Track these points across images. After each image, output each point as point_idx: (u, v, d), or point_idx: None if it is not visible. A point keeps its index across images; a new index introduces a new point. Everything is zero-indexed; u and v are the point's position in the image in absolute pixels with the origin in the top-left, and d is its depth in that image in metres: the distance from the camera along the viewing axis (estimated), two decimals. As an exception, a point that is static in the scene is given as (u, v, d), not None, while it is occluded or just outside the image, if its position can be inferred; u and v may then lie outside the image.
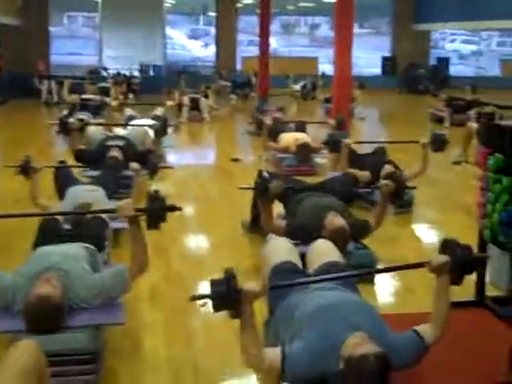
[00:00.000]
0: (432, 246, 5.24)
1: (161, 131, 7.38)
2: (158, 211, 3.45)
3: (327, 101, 12.53)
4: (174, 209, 3.50)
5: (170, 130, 7.83)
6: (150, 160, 5.65)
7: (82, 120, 7.90)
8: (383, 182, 4.66)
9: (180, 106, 12.38)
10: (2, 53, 16.59)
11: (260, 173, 4.50)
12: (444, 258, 2.94)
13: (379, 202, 4.64)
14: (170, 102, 12.51)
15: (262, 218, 4.51)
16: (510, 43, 22.46)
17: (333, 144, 6.57)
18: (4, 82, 16.12)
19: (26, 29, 17.56)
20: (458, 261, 2.91)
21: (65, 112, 9.98)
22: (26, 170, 5.04)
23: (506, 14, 15.33)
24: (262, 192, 4.33)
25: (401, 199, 4.81)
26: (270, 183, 4.31)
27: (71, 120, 6.80)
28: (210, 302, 2.58)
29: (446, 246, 3.04)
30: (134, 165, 5.32)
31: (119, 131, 8.00)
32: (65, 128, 6.71)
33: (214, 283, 2.62)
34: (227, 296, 2.58)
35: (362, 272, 3.90)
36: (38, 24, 17.90)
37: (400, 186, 4.66)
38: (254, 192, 4.60)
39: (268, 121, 9.53)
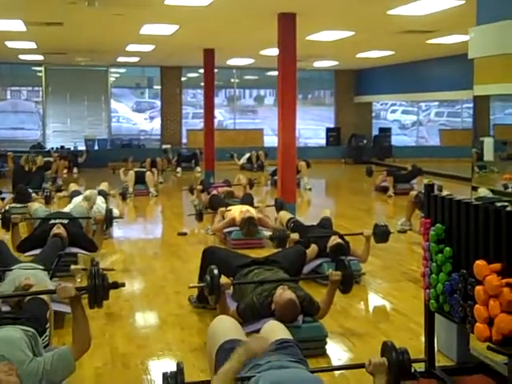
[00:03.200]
0: (381, 318, 5.26)
1: (107, 223, 7.19)
2: (100, 289, 3.36)
3: (274, 173, 12.68)
4: (116, 286, 3.43)
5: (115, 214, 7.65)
6: (91, 263, 5.55)
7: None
8: (332, 271, 4.66)
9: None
10: None
11: (210, 269, 4.44)
12: (381, 360, 3.24)
13: (328, 290, 4.63)
14: (125, 178, 12.47)
15: (217, 309, 4.49)
16: (447, 113, 23.30)
17: (278, 240, 6.56)
18: None
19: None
20: (394, 364, 3.22)
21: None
22: None
23: (442, 87, 15.98)
24: (213, 289, 4.32)
25: (350, 289, 4.79)
26: (218, 281, 4.31)
27: (13, 215, 6.61)
28: None
29: (385, 348, 3.35)
30: (76, 266, 5.17)
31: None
32: (6, 222, 6.55)
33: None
34: None
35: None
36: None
37: (348, 275, 4.66)
38: (204, 288, 4.54)
39: (214, 192, 9.63)
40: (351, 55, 15.48)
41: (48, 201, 8.70)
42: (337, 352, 4.43)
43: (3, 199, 9.62)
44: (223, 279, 4.42)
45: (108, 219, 7.02)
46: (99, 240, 6.68)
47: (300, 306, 4.30)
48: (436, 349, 3.89)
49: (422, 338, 4.05)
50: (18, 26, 10.17)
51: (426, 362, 3.76)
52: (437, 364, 3.84)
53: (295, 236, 6.45)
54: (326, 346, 4.41)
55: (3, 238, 6.71)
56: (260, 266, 4.93)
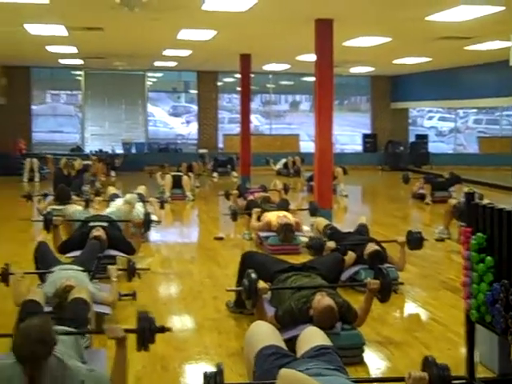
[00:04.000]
0: (418, 327, 5.21)
1: (145, 227, 7.26)
2: (147, 332, 3.44)
3: (310, 179, 12.68)
4: (163, 329, 3.51)
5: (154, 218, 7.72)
6: (128, 263, 5.62)
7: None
8: (370, 280, 4.63)
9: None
10: None
11: (248, 273, 4.46)
12: (422, 375, 3.20)
13: (365, 298, 4.61)
14: (161, 182, 12.59)
15: (255, 314, 4.51)
16: (486, 121, 23.01)
17: (315, 248, 6.56)
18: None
19: (9, 107, 17.75)
20: (434, 379, 3.19)
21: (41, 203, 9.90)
22: (5, 277, 5.02)
23: (481, 93, 15.79)
24: (250, 293, 4.34)
25: (388, 298, 4.76)
26: (256, 284, 4.33)
27: (54, 217, 6.73)
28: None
29: (426, 363, 3.31)
30: (113, 268, 5.24)
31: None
32: (48, 224, 6.66)
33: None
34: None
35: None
36: (21, 102, 18.11)
37: (386, 284, 4.63)
38: (241, 292, 4.57)
39: (250, 197, 9.66)
40: (388, 61, 15.40)
41: (88, 204, 8.82)
42: (374, 360, 4.40)
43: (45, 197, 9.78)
44: (261, 284, 4.43)
45: (146, 223, 7.09)
46: (137, 243, 6.75)
47: (338, 313, 4.29)
48: (476, 360, 3.85)
49: (461, 349, 4.02)
50: (59, 30, 10.36)
51: (466, 379, 3.71)
52: (477, 376, 3.80)
53: (331, 244, 6.43)
54: (364, 354, 4.39)
55: (44, 239, 6.82)
56: (298, 271, 4.93)
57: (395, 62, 15.29)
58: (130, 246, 6.58)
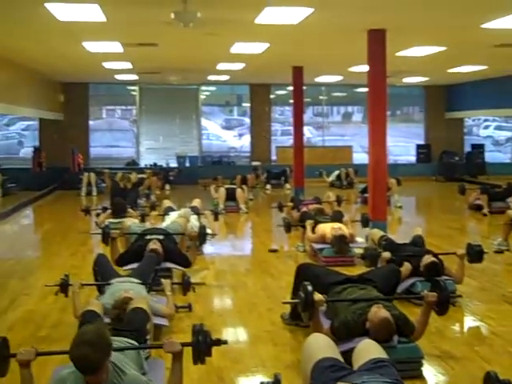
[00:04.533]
0: (478, 341, 5.10)
1: (200, 240, 7.31)
2: (204, 346, 3.47)
3: (364, 191, 12.59)
4: (219, 343, 3.52)
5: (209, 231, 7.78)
6: (183, 278, 5.68)
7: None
8: (427, 292, 4.55)
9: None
10: (43, 151, 17.19)
11: (303, 285, 4.45)
12: None
13: (422, 311, 4.54)
14: (215, 195, 12.70)
15: (312, 326, 4.48)
16: (544, 129, 22.45)
17: (370, 259, 6.51)
18: (46, 175, 16.61)
19: (68, 123, 18.22)
20: None
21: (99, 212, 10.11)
22: (64, 288, 5.14)
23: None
24: (307, 306, 4.33)
25: (446, 312, 4.67)
26: (312, 297, 4.32)
27: (112, 231, 6.87)
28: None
29: (488, 379, 3.25)
30: (167, 282, 5.31)
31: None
32: (106, 237, 6.80)
33: None
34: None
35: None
36: (78, 118, 18.55)
37: (444, 297, 4.55)
38: (297, 305, 4.56)
39: (304, 209, 9.64)
40: (442, 70, 15.20)
41: (143, 218, 8.95)
42: (433, 375, 4.32)
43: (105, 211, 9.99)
44: (317, 296, 4.41)
45: (201, 236, 7.15)
46: (193, 256, 6.81)
47: (395, 326, 4.24)
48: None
49: (524, 363, 3.92)
50: (115, 47, 10.60)
51: None
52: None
53: (387, 254, 6.37)
54: (422, 368, 4.32)
55: (103, 251, 6.96)
56: (354, 284, 4.90)
57: (450, 71, 15.08)
58: (186, 259, 6.65)
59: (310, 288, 4.37)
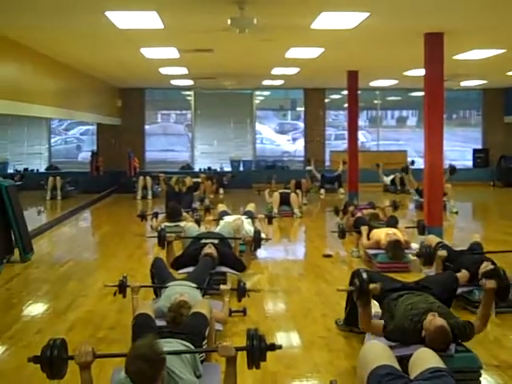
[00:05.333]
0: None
1: (255, 244, 7.27)
2: (258, 351, 3.45)
3: (418, 191, 12.44)
4: (273, 347, 3.49)
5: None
6: (239, 284, 5.70)
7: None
8: (486, 280, 4.49)
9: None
10: (100, 155, 17.58)
11: (358, 273, 4.44)
12: None
13: (483, 301, 4.44)
14: (270, 200, 12.74)
15: (359, 317, 4.44)
16: None
17: (426, 257, 6.43)
18: (103, 179, 16.97)
19: (124, 127, 18.57)
20: None
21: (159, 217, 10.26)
22: (123, 289, 5.23)
23: None
24: (361, 293, 4.29)
25: (506, 298, 4.58)
26: (368, 284, 4.28)
27: (168, 234, 6.95)
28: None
29: None
30: (225, 287, 5.35)
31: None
32: (162, 241, 6.89)
33: None
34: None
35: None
36: (135, 123, 18.91)
37: (504, 284, 4.46)
38: (352, 292, 4.54)
39: (358, 214, 9.57)
40: (501, 73, 14.89)
41: (198, 223, 9.03)
42: (492, 384, 4.25)
43: (156, 217, 10.15)
44: (372, 284, 4.37)
45: (256, 240, 7.18)
46: (247, 260, 6.85)
47: (451, 334, 4.16)
48: None
49: None
50: (172, 53, 10.76)
51: None
52: None
53: (443, 253, 6.29)
54: (481, 378, 4.23)
55: (158, 254, 7.08)
56: (410, 291, 4.83)
57: (509, 73, 14.77)
58: (241, 263, 6.69)
59: (365, 275, 4.34)
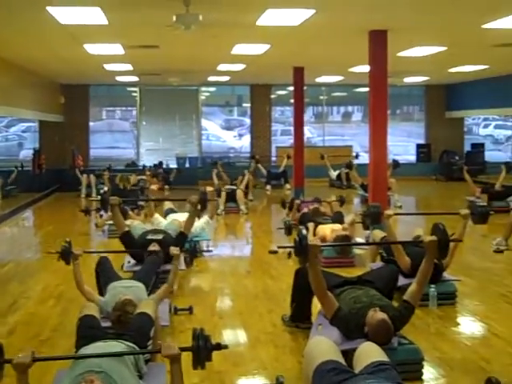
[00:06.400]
0: (478, 342, 5.10)
1: (200, 204, 7.04)
2: (204, 351, 3.41)
3: (363, 186, 12.59)
4: (219, 347, 3.46)
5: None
6: (191, 245, 5.68)
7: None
8: (426, 236, 4.59)
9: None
10: (43, 153, 17.19)
11: (299, 231, 4.46)
12: None
13: (425, 258, 4.53)
14: (209, 188, 12.63)
15: (310, 279, 4.48)
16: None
17: (372, 217, 6.49)
18: (46, 178, 16.61)
19: (68, 124, 18.25)
20: None
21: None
22: (66, 255, 5.11)
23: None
24: (301, 251, 4.31)
25: (446, 253, 4.69)
26: (307, 240, 4.32)
27: (112, 197, 6.83)
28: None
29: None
30: (175, 249, 5.37)
31: (160, 220, 8.15)
32: (105, 204, 6.75)
33: None
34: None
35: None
36: (79, 119, 18.58)
37: (444, 238, 4.55)
38: (294, 250, 4.55)
39: (304, 210, 9.63)
40: (443, 70, 15.22)
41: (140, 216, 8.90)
42: (434, 376, 4.33)
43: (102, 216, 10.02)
44: (312, 240, 4.40)
45: (202, 201, 6.96)
46: (190, 222, 6.95)
47: (393, 327, 4.23)
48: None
49: (524, 364, 3.93)
50: (116, 49, 10.62)
51: None
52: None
53: (390, 212, 6.38)
54: (423, 370, 4.32)
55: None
56: (352, 285, 4.89)
57: (451, 70, 15.10)
58: (182, 235, 6.77)
59: (304, 232, 4.39)
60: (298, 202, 10.16)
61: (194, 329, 3.54)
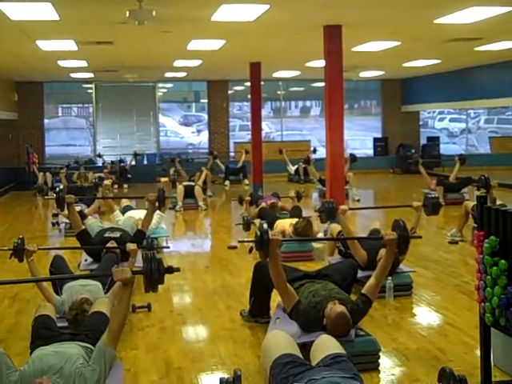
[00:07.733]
0: (434, 332, 5.19)
1: (159, 202, 7.03)
2: (155, 273, 3.37)
3: (320, 180, 12.69)
4: (172, 270, 3.43)
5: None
6: (148, 240, 5.66)
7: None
8: (387, 231, 4.67)
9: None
10: None
11: (260, 225, 4.48)
12: None
13: (385, 254, 4.61)
14: (163, 179, 12.52)
15: (271, 273, 4.51)
16: (498, 120, 22.90)
17: (327, 213, 6.54)
18: (0, 176, 16.28)
19: (22, 122, 17.93)
20: None
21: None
22: (19, 252, 5.03)
23: (492, 93, 15.73)
24: (262, 245, 4.33)
25: (405, 250, 4.76)
26: (268, 234, 4.33)
27: (67, 195, 6.75)
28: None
29: (443, 375, 3.26)
30: (131, 245, 5.34)
31: (120, 217, 8.08)
32: (61, 202, 6.66)
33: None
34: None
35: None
36: (33, 117, 18.27)
37: (404, 235, 4.60)
38: (256, 249, 4.57)
39: (262, 204, 9.66)
40: (397, 65, 15.40)
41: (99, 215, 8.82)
42: (390, 367, 4.39)
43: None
44: (273, 235, 4.41)
45: (160, 199, 6.96)
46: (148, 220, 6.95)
47: (351, 320, 4.28)
48: (492, 363, 3.84)
49: (477, 352, 4.01)
50: (70, 45, 10.46)
51: None
52: (493, 379, 3.79)
53: (344, 207, 6.46)
54: (379, 361, 4.39)
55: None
56: (311, 279, 4.93)
57: (405, 65, 15.29)
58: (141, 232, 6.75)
59: (265, 226, 4.39)
60: (248, 198, 10.26)
61: (145, 252, 3.50)
